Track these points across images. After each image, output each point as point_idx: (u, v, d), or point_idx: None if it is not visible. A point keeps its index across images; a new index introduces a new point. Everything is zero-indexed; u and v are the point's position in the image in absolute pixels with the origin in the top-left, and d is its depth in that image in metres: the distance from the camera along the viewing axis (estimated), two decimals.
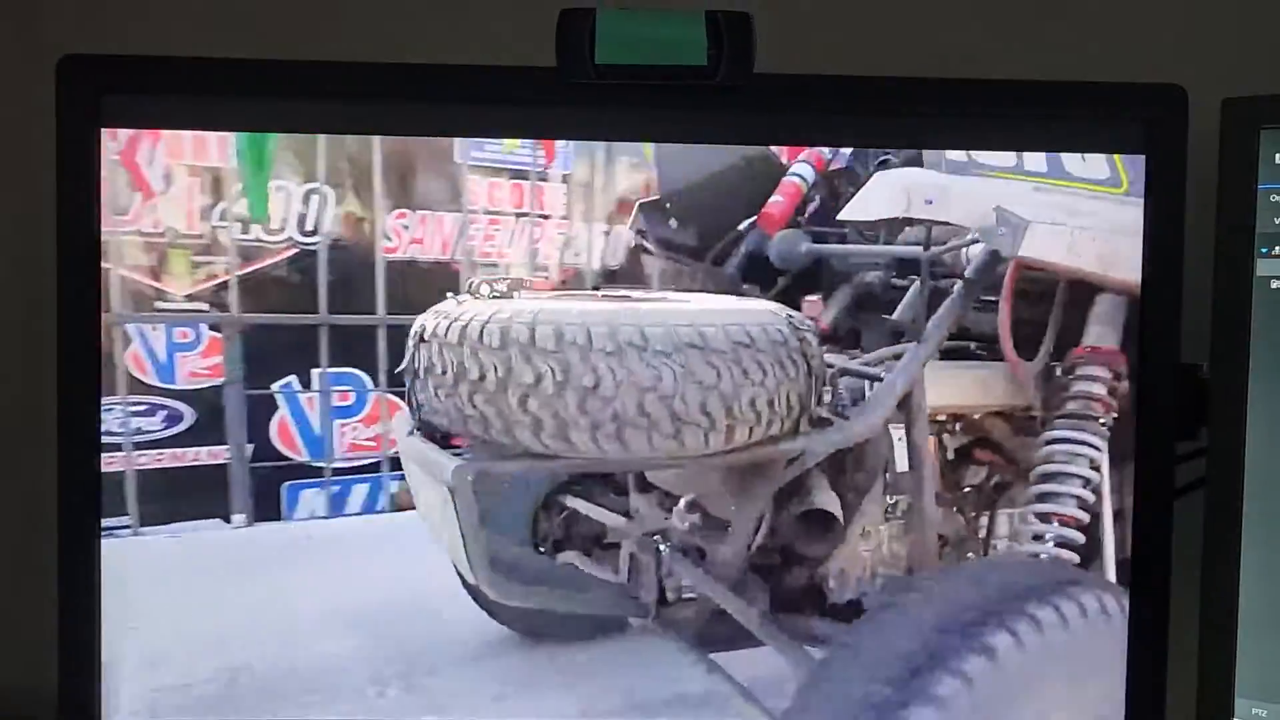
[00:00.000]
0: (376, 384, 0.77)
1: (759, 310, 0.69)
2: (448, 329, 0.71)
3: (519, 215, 0.78)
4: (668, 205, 0.73)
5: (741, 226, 0.73)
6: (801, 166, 0.74)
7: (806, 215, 0.73)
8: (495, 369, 0.67)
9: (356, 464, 0.79)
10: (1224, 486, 0.72)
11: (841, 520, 0.69)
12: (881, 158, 0.72)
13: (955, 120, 0.74)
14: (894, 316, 0.70)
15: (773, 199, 0.74)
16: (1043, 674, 0.64)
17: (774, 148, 0.74)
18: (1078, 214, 0.66)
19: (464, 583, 0.75)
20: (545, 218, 0.76)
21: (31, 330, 0.91)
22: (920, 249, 0.69)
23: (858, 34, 0.90)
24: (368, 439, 0.79)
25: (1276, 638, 0.72)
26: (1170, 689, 0.75)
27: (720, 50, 0.71)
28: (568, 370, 0.66)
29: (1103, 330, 0.66)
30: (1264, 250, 0.72)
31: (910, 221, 0.69)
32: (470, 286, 0.73)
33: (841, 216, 0.71)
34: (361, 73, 0.73)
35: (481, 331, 0.69)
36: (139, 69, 0.72)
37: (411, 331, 0.74)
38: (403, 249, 0.77)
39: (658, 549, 0.73)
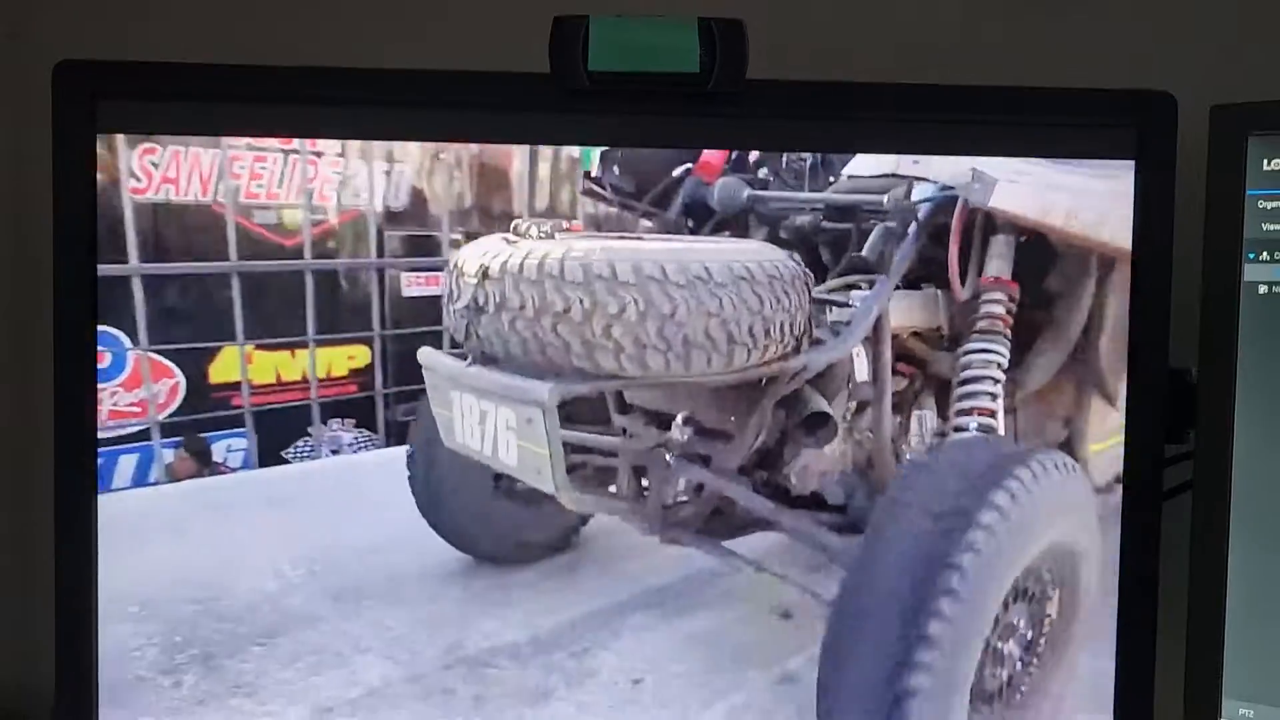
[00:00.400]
0: (136, 342, 0.73)
1: (775, 250, 0.79)
2: (521, 266, 0.75)
3: (288, 153, 0.75)
4: (620, 153, 0.79)
5: (676, 173, 0.81)
6: None
7: (732, 163, 0.82)
8: (581, 301, 0.73)
9: (120, 433, 0.73)
10: (1212, 490, 0.73)
11: (837, 420, 0.81)
12: None
13: (947, 127, 0.75)
14: (863, 253, 0.80)
15: (707, 150, 0.81)
16: (1039, 513, 0.76)
17: None
18: (1023, 174, 0.76)
19: (422, 510, 0.78)
20: (319, 155, 0.75)
21: (28, 333, 0.91)
22: (868, 197, 0.81)
23: (849, 41, 0.90)
24: (131, 404, 0.73)
25: (1263, 639, 0.73)
26: (1158, 690, 0.76)
27: (713, 57, 0.72)
28: (649, 300, 0.74)
29: (1000, 264, 0.78)
30: (1251, 255, 0.72)
31: (896, 176, 0.78)
32: (518, 229, 0.77)
33: (846, 171, 0.79)
34: (358, 79, 0.73)
35: (562, 268, 0.74)
36: (135, 74, 0.73)
37: (463, 270, 0.77)
38: (154, 189, 0.72)
39: (666, 460, 0.82)
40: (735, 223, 0.83)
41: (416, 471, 0.81)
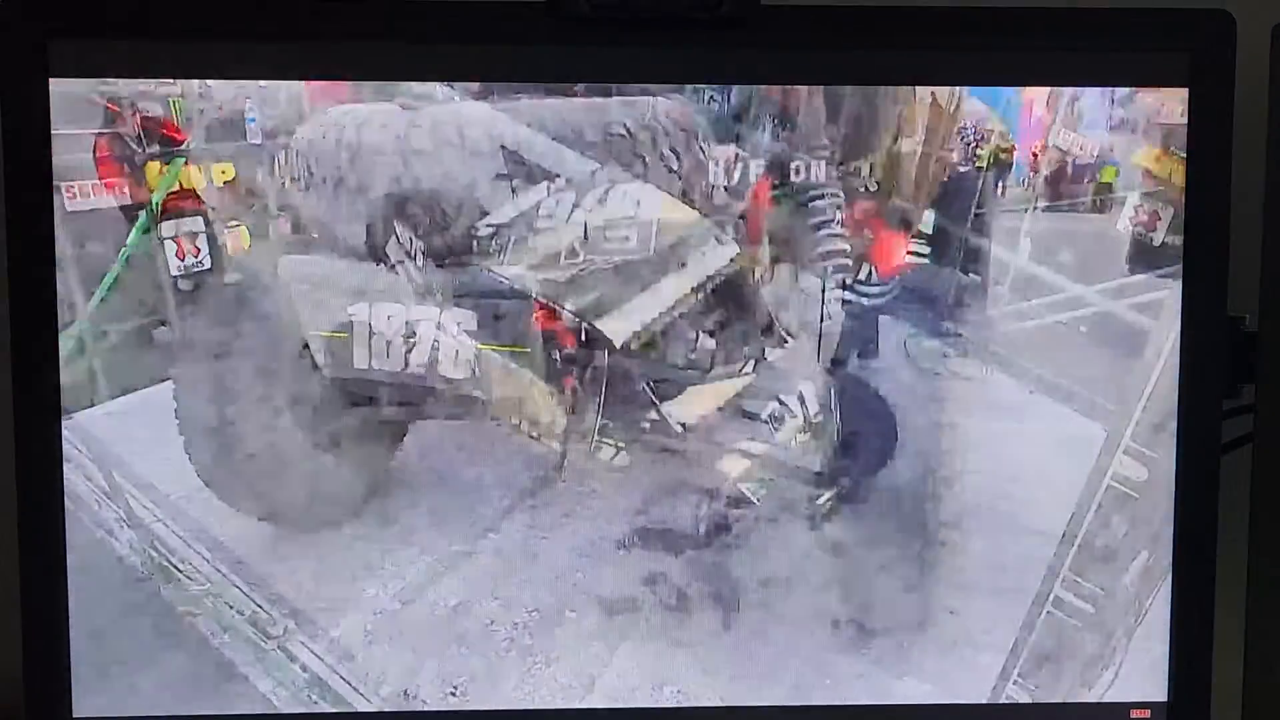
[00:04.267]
0: None
1: None
2: None
3: None
4: None
5: None
6: None
7: None
8: None
9: None
10: (1275, 443, 0.68)
11: None
12: None
13: (980, 54, 0.69)
14: None
15: None
16: None
17: None
18: None
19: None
20: None
21: None
22: None
23: None
24: None
25: None
26: (1217, 652, 0.71)
27: None
28: None
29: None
30: None
31: None
32: None
33: None
34: (338, 12, 0.67)
35: None
36: (90, 9, 0.66)
37: None
38: None
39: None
40: None
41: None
